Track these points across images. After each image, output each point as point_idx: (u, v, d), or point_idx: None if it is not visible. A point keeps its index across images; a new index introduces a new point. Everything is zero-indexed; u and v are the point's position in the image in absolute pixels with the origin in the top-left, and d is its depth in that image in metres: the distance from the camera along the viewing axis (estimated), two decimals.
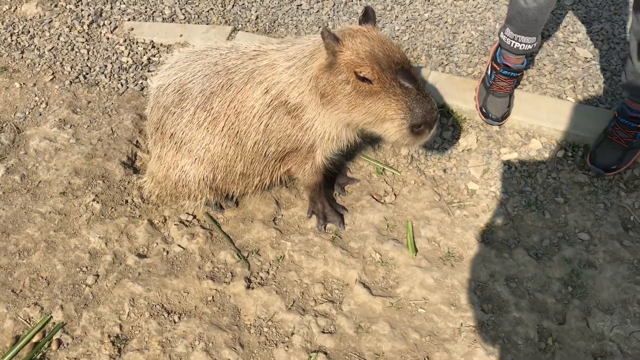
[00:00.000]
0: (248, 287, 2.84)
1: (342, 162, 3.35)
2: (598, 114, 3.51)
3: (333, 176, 3.26)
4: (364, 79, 2.39)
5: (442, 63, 3.99)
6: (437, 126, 2.55)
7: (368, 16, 2.51)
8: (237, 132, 2.71)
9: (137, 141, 3.50)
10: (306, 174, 2.91)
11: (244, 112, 2.67)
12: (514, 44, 3.33)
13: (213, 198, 3.01)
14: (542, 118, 3.49)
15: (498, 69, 3.47)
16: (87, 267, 2.89)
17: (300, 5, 4.48)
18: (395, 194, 3.28)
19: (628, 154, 3.23)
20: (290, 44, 2.67)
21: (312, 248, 3.02)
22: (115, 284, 2.82)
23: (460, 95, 3.65)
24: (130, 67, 3.96)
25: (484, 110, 3.50)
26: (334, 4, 4.49)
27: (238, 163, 2.81)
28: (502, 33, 3.39)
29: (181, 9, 4.43)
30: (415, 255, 2.99)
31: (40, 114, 3.64)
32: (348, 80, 2.42)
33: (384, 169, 3.40)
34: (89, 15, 4.31)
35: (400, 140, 2.52)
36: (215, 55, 2.76)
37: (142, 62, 3.99)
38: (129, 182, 3.28)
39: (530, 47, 3.33)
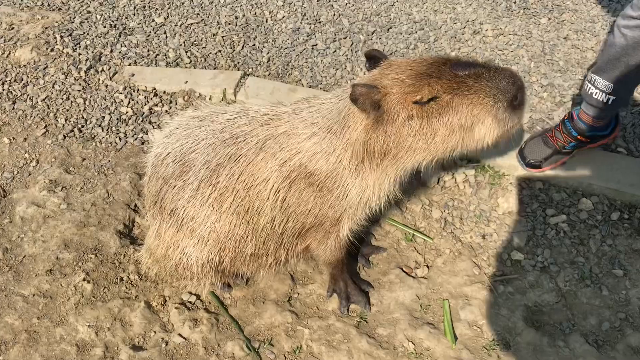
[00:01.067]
0: None
1: (366, 228, 2.94)
2: None
3: (356, 246, 2.85)
4: (428, 101, 1.98)
5: None
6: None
7: (375, 58, 2.13)
8: (248, 208, 2.33)
9: (135, 205, 3.12)
10: (328, 250, 2.52)
11: (256, 186, 2.29)
12: (588, 87, 2.86)
13: (220, 280, 2.62)
14: (591, 174, 3.06)
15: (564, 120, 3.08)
16: None
17: (316, 45, 4.11)
18: (428, 266, 2.86)
19: None
20: (307, 107, 2.29)
21: (334, 336, 2.60)
22: None
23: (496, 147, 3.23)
24: (129, 119, 3.60)
25: (522, 154, 3.11)
26: (352, 43, 4.11)
27: (249, 243, 2.42)
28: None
29: (186, 52, 4.08)
30: (455, 344, 2.56)
31: (29, 174, 3.28)
32: (411, 116, 2.00)
33: (413, 235, 2.98)
34: (86, 60, 3.97)
35: (502, 130, 2.05)
36: (222, 120, 2.39)
37: (143, 113, 3.63)
38: (124, 255, 2.89)
39: (602, 95, 2.79)
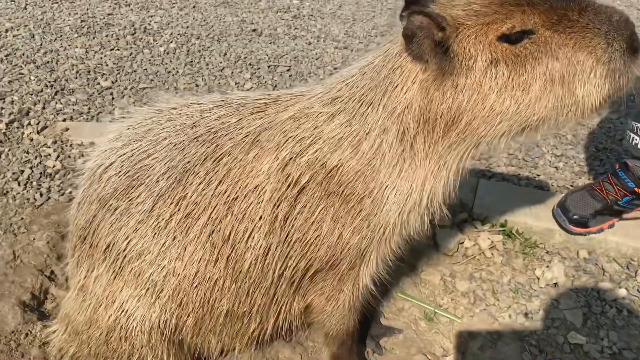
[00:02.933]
0: None
1: (374, 302, 2.17)
2: None
3: (362, 325, 2.06)
4: (520, 36, 1.33)
5: (486, 174, 3.01)
6: None
7: (419, 2, 1.44)
8: (230, 234, 1.56)
9: (51, 272, 2.26)
10: (338, 312, 1.73)
11: (244, 198, 1.54)
12: (631, 138, 2.36)
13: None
14: None
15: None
16: None
17: None
18: (461, 352, 2.07)
19: None
20: (322, 86, 1.62)
21: None
22: None
23: (527, 209, 2.60)
24: (56, 174, 2.81)
25: (563, 208, 2.49)
26: None
27: (225, 294, 1.61)
28: None
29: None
30: None
31: None
32: (496, 60, 1.34)
33: (435, 313, 2.22)
34: (10, 114, 3.23)
35: (615, 85, 1.36)
36: (194, 113, 1.68)
37: (74, 168, 2.85)
38: (27, 334, 1.98)
39: None
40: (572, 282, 2.37)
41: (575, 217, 2.44)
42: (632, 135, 2.37)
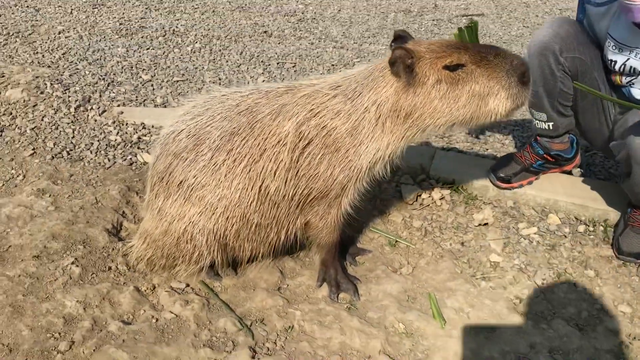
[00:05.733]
0: (253, 358, 2.39)
1: (352, 234, 3.07)
2: (613, 187, 3.37)
3: (343, 245, 2.95)
4: (456, 67, 2.27)
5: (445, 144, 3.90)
6: None
7: (402, 37, 2.42)
8: (261, 171, 2.44)
9: (123, 212, 3.16)
10: (327, 226, 2.61)
11: (271, 148, 2.42)
12: (534, 121, 3.27)
13: (219, 259, 2.63)
14: (556, 191, 3.33)
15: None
16: (60, 334, 2.40)
17: None
18: (412, 266, 2.96)
19: None
20: (328, 78, 2.53)
21: (325, 318, 2.62)
22: (94, 350, 2.33)
23: (471, 171, 3.49)
24: (118, 145, 3.72)
25: (493, 170, 3.41)
26: None
27: (256, 212, 2.50)
28: None
29: (174, 99, 4.32)
30: (444, 325, 2.61)
31: (15, 185, 3.30)
32: (440, 80, 2.28)
33: (396, 241, 3.11)
34: (76, 100, 4.15)
35: (514, 102, 2.33)
36: (237, 98, 2.56)
37: (132, 141, 3.76)
38: (113, 249, 2.88)
39: (542, 124, 3.23)
40: (499, 222, 3.25)
41: (501, 176, 3.32)
42: (535, 120, 3.25)
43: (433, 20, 6.12)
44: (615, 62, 2.90)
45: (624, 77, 2.93)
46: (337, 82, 2.47)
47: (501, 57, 2.31)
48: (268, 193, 2.47)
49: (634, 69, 2.83)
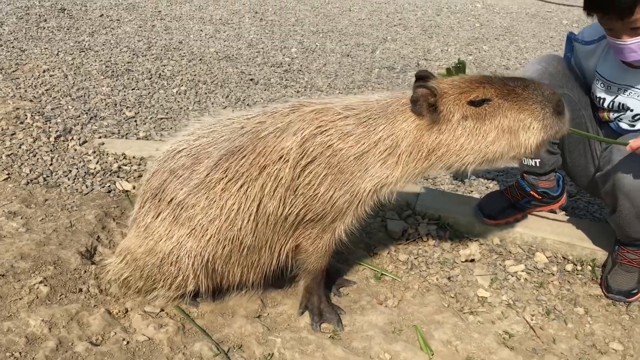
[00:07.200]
0: None
1: (337, 266, 2.97)
2: (600, 227, 3.34)
3: (329, 276, 2.84)
4: (481, 102, 2.20)
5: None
6: None
7: (425, 77, 2.30)
8: (259, 190, 2.31)
9: (98, 236, 3.03)
10: (317, 251, 2.50)
11: (272, 164, 2.30)
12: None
13: (205, 285, 2.49)
14: (544, 230, 3.28)
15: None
16: (20, 353, 2.23)
17: None
18: (398, 299, 2.85)
19: None
20: (344, 98, 2.44)
21: (308, 346, 2.48)
22: None
23: (456, 208, 3.44)
24: (97, 173, 3.62)
25: (480, 207, 3.35)
26: None
27: (249, 234, 2.37)
28: None
29: (157, 133, 4.26)
30: (432, 355, 2.49)
31: None
32: (465, 116, 2.22)
33: (382, 274, 3.01)
34: (56, 131, 4.07)
35: (547, 133, 2.25)
36: (242, 120, 2.46)
37: (112, 169, 3.67)
38: (85, 271, 2.74)
39: (529, 161, 3.19)
40: (486, 259, 3.18)
41: (487, 212, 3.27)
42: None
43: None
44: (604, 99, 2.93)
45: (612, 114, 2.95)
46: (352, 104, 2.39)
47: (531, 88, 2.25)
48: (265, 213, 2.34)
49: (623, 104, 2.86)
